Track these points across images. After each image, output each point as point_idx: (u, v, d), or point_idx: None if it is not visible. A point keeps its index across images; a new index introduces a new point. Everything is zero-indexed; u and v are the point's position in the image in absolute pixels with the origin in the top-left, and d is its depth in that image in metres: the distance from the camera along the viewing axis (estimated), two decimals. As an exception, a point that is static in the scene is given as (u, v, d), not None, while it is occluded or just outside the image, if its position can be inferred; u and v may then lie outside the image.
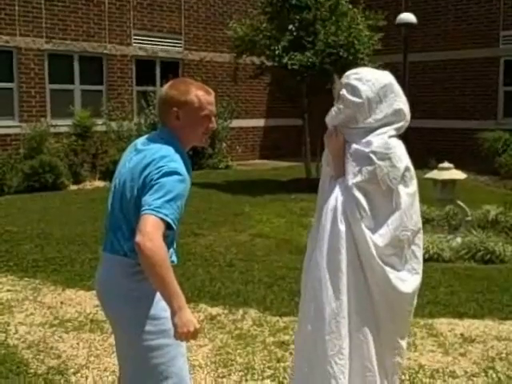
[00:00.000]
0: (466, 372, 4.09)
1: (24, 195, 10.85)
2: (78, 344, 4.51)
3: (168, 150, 2.51)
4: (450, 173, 7.18)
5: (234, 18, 13.66)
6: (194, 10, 15.84)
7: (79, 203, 10.09)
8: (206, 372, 4.05)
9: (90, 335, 4.66)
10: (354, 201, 2.78)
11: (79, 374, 4.03)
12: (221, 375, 4.01)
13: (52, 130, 12.79)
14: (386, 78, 2.89)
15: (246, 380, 3.96)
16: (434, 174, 7.24)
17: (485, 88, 15.72)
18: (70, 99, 13.64)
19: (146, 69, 14.95)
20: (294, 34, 11.27)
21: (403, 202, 2.79)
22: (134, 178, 2.51)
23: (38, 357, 4.29)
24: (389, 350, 2.90)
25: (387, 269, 2.79)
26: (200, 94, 2.59)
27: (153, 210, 2.35)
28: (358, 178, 2.78)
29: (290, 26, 11.28)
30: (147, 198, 2.39)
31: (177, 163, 2.47)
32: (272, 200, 10.34)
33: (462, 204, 7.37)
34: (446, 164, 7.25)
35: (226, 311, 5.17)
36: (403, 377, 3.93)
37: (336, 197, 2.83)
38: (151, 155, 2.50)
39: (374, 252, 2.76)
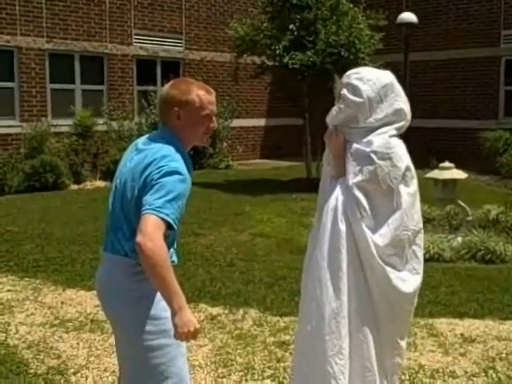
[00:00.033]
0: (466, 372, 4.09)
1: (25, 195, 10.86)
2: (78, 344, 4.51)
3: (169, 150, 2.50)
4: (450, 172, 7.18)
5: (235, 18, 13.68)
6: (195, 10, 15.83)
7: (80, 203, 10.09)
8: (206, 372, 4.05)
9: (91, 335, 4.66)
10: (355, 200, 2.78)
11: (79, 374, 4.03)
12: (221, 375, 4.01)
13: (53, 129, 12.79)
14: (386, 77, 2.88)
15: (246, 380, 3.96)
16: (435, 174, 7.24)
17: (486, 87, 15.71)
18: (71, 99, 13.64)
19: (146, 68, 14.96)
20: (295, 33, 11.27)
21: (404, 201, 2.79)
22: (134, 177, 2.50)
23: (38, 357, 4.29)
24: (389, 351, 2.90)
25: (388, 269, 2.79)
26: (201, 94, 2.59)
27: (154, 209, 2.35)
28: (359, 178, 2.78)
29: (291, 26, 11.28)
30: (148, 198, 2.39)
31: (178, 163, 2.47)
32: (273, 200, 10.34)
33: (462, 204, 7.37)
34: (446, 164, 7.25)
35: (226, 311, 5.16)
36: (403, 377, 3.93)
37: (336, 196, 2.83)
38: (152, 155, 2.50)
39: (375, 252, 2.76)
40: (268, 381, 3.95)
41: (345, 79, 2.88)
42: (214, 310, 5.18)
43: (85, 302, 5.40)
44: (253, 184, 12.14)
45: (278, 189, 11.46)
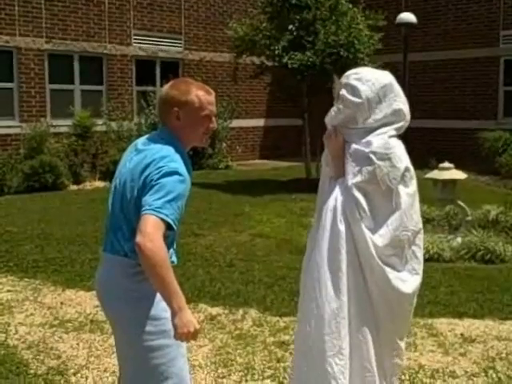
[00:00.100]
0: (466, 372, 4.09)
1: (24, 195, 10.85)
2: (77, 344, 4.51)
3: (168, 151, 2.50)
4: (450, 173, 7.18)
5: (234, 18, 13.68)
6: (194, 10, 15.84)
7: (79, 203, 10.09)
8: (206, 372, 4.05)
9: (90, 336, 4.66)
10: (354, 201, 2.78)
11: (79, 375, 4.03)
12: (221, 375, 4.01)
13: (52, 130, 12.78)
14: (385, 77, 2.88)
15: (246, 380, 3.96)
16: (435, 174, 7.24)
17: (485, 88, 15.72)
18: (70, 99, 13.64)
19: (146, 69, 14.95)
20: (294, 33, 11.27)
21: (403, 202, 2.79)
22: (134, 178, 2.51)
23: (37, 357, 4.29)
24: (388, 351, 2.90)
25: (387, 269, 2.79)
26: (200, 94, 2.59)
27: (153, 210, 2.35)
28: (358, 178, 2.78)
29: (290, 26, 11.28)
30: (147, 199, 2.39)
31: (177, 163, 2.47)
32: (272, 200, 10.34)
33: (462, 204, 7.37)
34: (446, 164, 7.25)
35: (226, 311, 5.16)
36: (403, 377, 3.93)
37: (336, 197, 2.83)
38: (152, 155, 2.50)
39: (374, 252, 2.76)
40: (268, 381, 3.95)
41: (344, 80, 2.88)
42: (214, 311, 5.18)
43: (84, 302, 5.40)
44: (252, 184, 12.14)
45: (277, 189, 11.47)
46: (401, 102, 2.88)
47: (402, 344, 2.96)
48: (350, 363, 2.80)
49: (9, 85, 12.85)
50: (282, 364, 4.15)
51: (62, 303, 5.39)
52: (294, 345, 3.28)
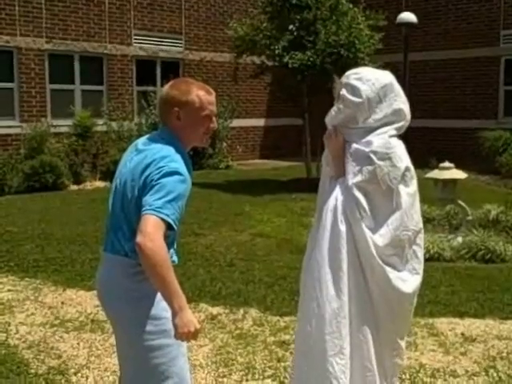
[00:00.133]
0: (466, 371, 4.09)
1: (24, 195, 10.86)
2: (78, 344, 4.51)
3: (169, 150, 2.51)
4: (450, 172, 7.18)
5: (235, 18, 13.68)
6: (195, 10, 15.84)
7: (80, 203, 10.09)
8: (206, 372, 4.05)
9: (91, 335, 4.67)
10: (354, 201, 2.78)
11: (80, 374, 4.03)
12: (221, 375, 4.01)
13: (52, 130, 12.79)
14: (386, 77, 2.88)
15: (247, 380, 3.96)
16: (435, 174, 7.24)
17: (485, 87, 15.72)
18: (71, 99, 13.64)
19: (146, 69, 14.96)
20: (295, 33, 11.27)
21: (404, 201, 2.79)
22: (134, 178, 2.51)
23: (38, 357, 4.29)
24: (388, 351, 2.90)
25: (387, 269, 2.79)
26: (201, 94, 2.59)
27: (154, 210, 2.35)
28: (358, 178, 2.78)
29: (291, 26, 11.28)
30: (148, 198, 2.39)
31: (177, 163, 2.47)
32: (272, 200, 10.35)
33: (462, 203, 7.37)
34: (446, 163, 7.26)
35: (226, 311, 5.17)
36: (404, 376, 3.93)
37: (336, 197, 2.83)
38: (152, 155, 2.50)
39: (374, 252, 2.76)
40: (269, 380, 3.95)
41: (344, 79, 2.88)
42: (215, 310, 5.18)
43: (85, 302, 5.40)
44: (252, 184, 12.14)
45: (277, 189, 11.47)
46: (401, 102, 2.89)
47: (403, 343, 2.97)
48: (351, 363, 2.80)
49: (9, 85, 12.86)
50: (282, 363, 4.15)
51: (62, 303, 5.39)
52: (294, 344, 3.28)
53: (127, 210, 2.52)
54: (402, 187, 2.79)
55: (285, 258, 6.75)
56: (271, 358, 4.27)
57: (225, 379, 3.96)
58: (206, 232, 7.97)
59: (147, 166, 2.47)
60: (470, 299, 5.43)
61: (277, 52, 11.19)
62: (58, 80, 13.52)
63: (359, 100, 2.80)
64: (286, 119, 16.78)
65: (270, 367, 4.12)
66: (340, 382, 2.77)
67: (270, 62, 11.98)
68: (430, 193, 7.04)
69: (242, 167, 15.32)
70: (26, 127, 12.58)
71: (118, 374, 2.87)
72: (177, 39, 15.52)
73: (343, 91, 2.85)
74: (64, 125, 13.01)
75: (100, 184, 12.36)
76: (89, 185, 12.35)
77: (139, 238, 2.31)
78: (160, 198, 2.37)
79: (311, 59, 10.97)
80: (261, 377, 3.99)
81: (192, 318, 2.37)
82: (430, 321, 4.94)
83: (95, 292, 3.14)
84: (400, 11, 14.07)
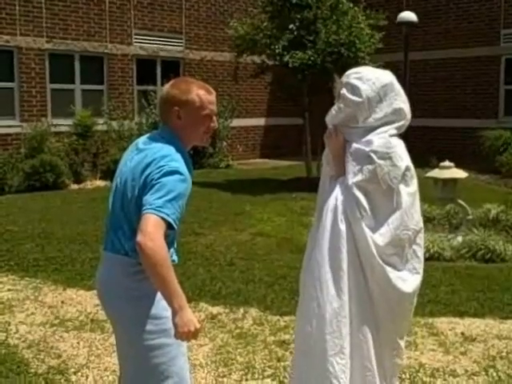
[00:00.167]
0: (466, 371, 4.09)
1: (25, 194, 10.86)
2: (78, 343, 4.51)
3: (169, 150, 2.51)
4: (450, 172, 7.18)
5: (235, 17, 13.68)
6: (195, 9, 15.83)
7: (80, 202, 10.09)
8: (206, 371, 4.05)
9: (91, 335, 4.67)
10: (354, 200, 2.78)
11: (80, 374, 4.03)
12: (221, 374, 4.01)
13: (53, 129, 12.79)
14: (386, 77, 2.88)
15: (247, 379, 3.96)
16: (435, 173, 7.24)
17: (486, 86, 15.72)
18: (71, 99, 13.64)
19: (146, 68, 14.95)
20: (295, 32, 11.26)
21: (404, 201, 2.79)
22: (135, 177, 2.51)
23: (38, 356, 4.29)
24: (388, 351, 2.90)
25: (387, 268, 2.79)
26: (201, 94, 2.59)
27: (154, 209, 2.35)
28: (359, 178, 2.78)
29: (291, 25, 11.27)
30: (148, 198, 2.39)
31: (178, 163, 2.47)
32: (273, 199, 10.35)
33: (462, 203, 7.37)
34: (446, 163, 7.25)
35: (226, 310, 5.17)
36: (404, 376, 3.93)
37: (336, 196, 2.83)
38: (152, 154, 2.50)
39: (375, 251, 2.76)
40: (268, 380, 3.95)
41: (344, 79, 2.88)
42: (215, 309, 5.18)
43: (85, 301, 5.40)
44: (253, 183, 12.14)
45: (277, 188, 11.46)
46: (401, 101, 2.88)
47: (402, 343, 2.97)
48: (351, 362, 2.80)
49: (9, 84, 12.86)
50: (282, 363, 4.15)
51: (62, 302, 5.39)
52: (294, 344, 3.28)
53: (127, 209, 2.52)
54: (402, 186, 2.79)
55: (285, 257, 6.75)
56: (271, 357, 4.27)
57: (225, 379, 3.96)
58: (206, 231, 7.97)
59: (147, 165, 2.47)
60: (470, 299, 5.43)
61: (277, 51, 11.18)
62: (58, 79, 13.52)
63: (359, 99, 2.80)
64: (287, 119, 16.78)
65: (269, 367, 4.12)
66: (340, 381, 2.77)
67: (270, 61, 11.98)
68: (430, 192, 7.04)
69: (243, 166, 15.32)
70: (27, 127, 12.58)
71: (118, 373, 2.87)
72: (177, 38, 15.51)
73: (343, 90, 2.85)
74: (64, 124, 13.01)
75: (100, 183, 12.36)
76: (89, 184, 12.35)
77: (139, 238, 2.31)
78: (160, 198, 2.37)
79: (311, 58, 10.96)
80: (260, 376, 3.99)
81: (192, 317, 2.37)
82: (430, 320, 4.94)
83: (95, 291, 3.14)
84: (400, 10, 14.07)
